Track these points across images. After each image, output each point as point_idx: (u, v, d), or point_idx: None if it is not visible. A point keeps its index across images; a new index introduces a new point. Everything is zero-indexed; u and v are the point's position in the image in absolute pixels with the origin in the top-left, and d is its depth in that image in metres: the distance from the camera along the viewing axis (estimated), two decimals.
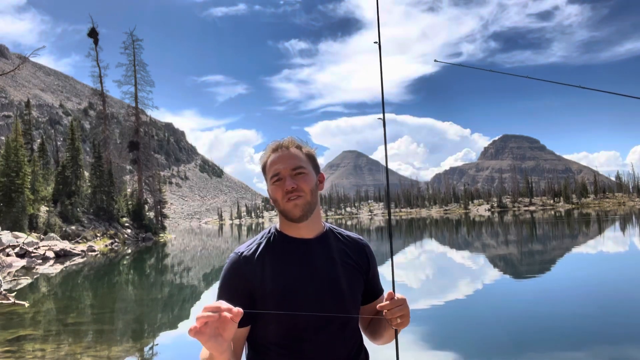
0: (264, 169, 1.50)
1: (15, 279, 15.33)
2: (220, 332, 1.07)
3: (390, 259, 1.52)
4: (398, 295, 1.40)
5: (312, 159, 1.50)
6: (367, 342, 1.57)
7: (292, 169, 1.43)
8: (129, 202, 41.75)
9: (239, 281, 1.41)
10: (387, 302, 1.38)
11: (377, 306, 1.41)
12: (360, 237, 1.61)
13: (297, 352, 1.39)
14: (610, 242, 21.88)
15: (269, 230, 1.52)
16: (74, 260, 22.03)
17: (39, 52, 35.59)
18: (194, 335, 1.05)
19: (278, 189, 1.43)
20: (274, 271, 1.42)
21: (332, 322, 1.42)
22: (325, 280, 1.44)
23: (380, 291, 1.61)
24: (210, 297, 11.18)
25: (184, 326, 8.62)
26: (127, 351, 6.72)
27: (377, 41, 1.61)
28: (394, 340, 1.46)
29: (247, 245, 1.49)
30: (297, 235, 1.48)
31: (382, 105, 1.61)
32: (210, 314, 1.05)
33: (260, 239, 1.50)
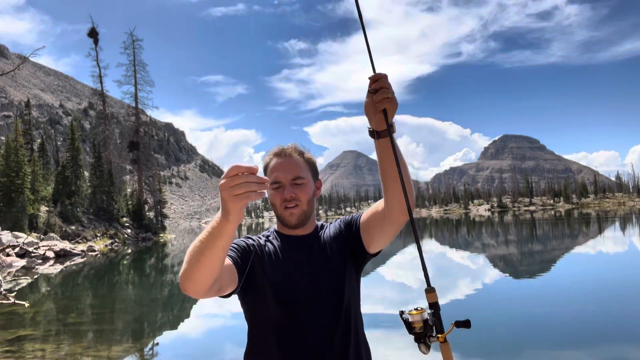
0: (265, 171, 1.57)
1: (15, 279, 15.33)
2: (251, 193, 0.98)
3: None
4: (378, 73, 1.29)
5: (312, 165, 1.57)
6: (370, 343, 1.57)
7: (292, 178, 1.49)
8: (129, 202, 41.76)
9: (245, 244, 1.49)
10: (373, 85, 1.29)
11: (368, 91, 1.30)
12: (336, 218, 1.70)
13: (293, 332, 1.44)
14: (610, 242, 21.89)
15: (269, 231, 1.63)
16: (74, 260, 22.03)
17: (38, 52, 35.65)
18: (228, 188, 0.97)
19: (277, 196, 1.50)
20: (273, 259, 1.50)
21: (327, 303, 1.46)
22: (321, 271, 1.51)
23: (357, 217, 1.59)
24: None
25: (184, 326, 8.63)
26: (127, 351, 6.73)
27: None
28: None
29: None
30: (293, 234, 1.58)
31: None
32: (245, 168, 0.98)
33: (260, 235, 1.61)
